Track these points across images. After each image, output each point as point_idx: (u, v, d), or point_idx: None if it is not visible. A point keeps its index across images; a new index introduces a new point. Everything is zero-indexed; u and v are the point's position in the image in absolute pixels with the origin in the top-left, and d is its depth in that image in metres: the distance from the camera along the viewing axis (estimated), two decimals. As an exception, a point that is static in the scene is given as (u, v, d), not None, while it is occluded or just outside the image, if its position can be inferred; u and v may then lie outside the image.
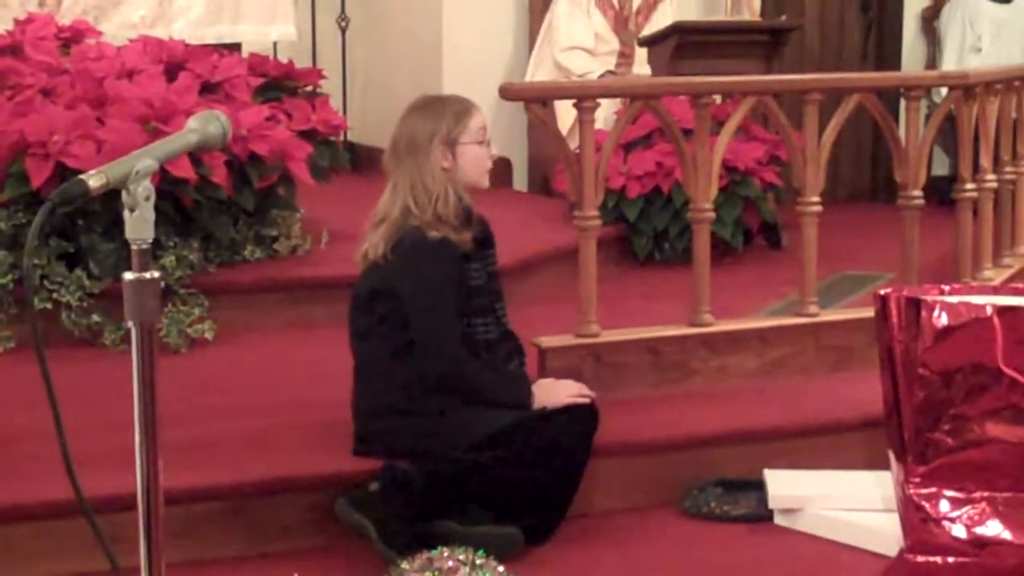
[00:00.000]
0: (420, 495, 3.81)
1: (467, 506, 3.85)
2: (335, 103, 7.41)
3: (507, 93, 4.67)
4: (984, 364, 3.37)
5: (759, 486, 4.25)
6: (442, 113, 4.03)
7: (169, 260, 5.20)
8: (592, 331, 4.68)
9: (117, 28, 6.97)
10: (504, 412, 3.93)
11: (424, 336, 3.93)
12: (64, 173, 5.02)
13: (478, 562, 3.61)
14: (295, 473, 3.99)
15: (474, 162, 4.04)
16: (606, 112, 6.25)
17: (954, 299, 3.46)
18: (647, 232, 6.71)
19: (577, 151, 4.68)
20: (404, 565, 3.62)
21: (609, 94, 5.61)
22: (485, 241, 4.08)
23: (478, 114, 4.07)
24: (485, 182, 4.10)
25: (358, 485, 3.87)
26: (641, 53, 7.78)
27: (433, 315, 3.93)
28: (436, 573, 3.57)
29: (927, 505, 3.42)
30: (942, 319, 3.38)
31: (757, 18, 8.25)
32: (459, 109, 4.05)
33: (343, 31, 8.83)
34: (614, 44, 8.02)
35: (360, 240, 4.07)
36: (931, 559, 3.43)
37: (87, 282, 5.12)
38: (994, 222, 5.71)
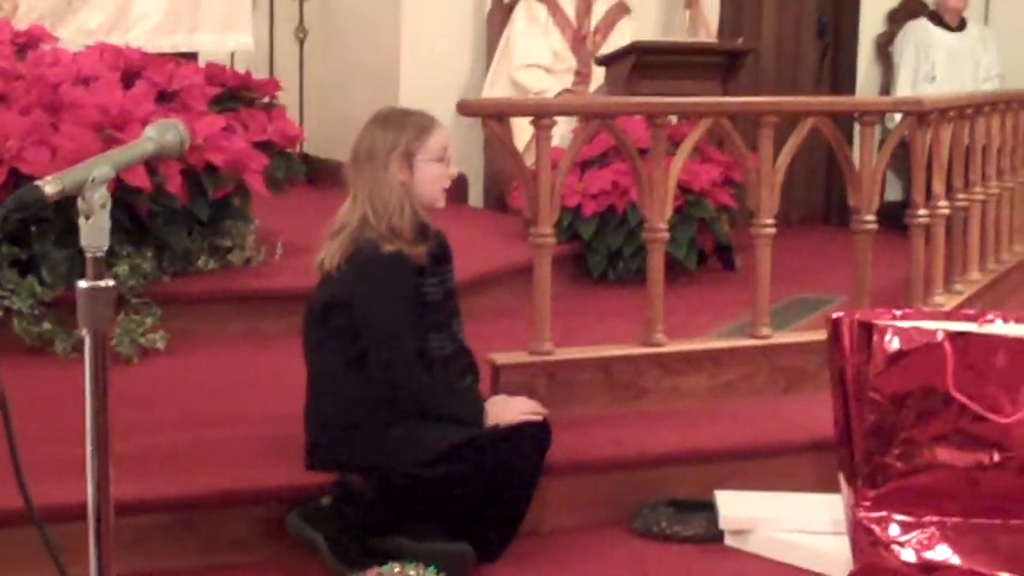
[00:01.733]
0: (371, 510, 3.81)
1: (418, 522, 3.84)
2: (292, 115, 7.41)
3: (464, 109, 4.67)
4: (935, 389, 3.40)
5: (710, 507, 4.26)
6: (404, 126, 4.02)
7: (122, 269, 5.17)
8: (545, 348, 4.68)
9: (74, 34, 6.93)
10: (457, 428, 3.91)
11: (376, 350, 3.92)
12: (18, 179, 4.98)
13: (428, 578, 3.61)
14: (246, 486, 3.97)
15: (431, 180, 4.02)
16: (562, 130, 6.27)
17: (906, 324, 3.48)
18: (601, 251, 6.72)
19: (533, 168, 4.69)
20: (354, 580, 3.62)
21: (566, 112, 5.62)
22: (442, 256, 4.07)
23: (440, 132, 4.06)
24: (440, 202, 4.07)
25: (309, 499, 3.86)
26: (598, 72, 7.82)
27: (385, 329, 3.91)
28: (386, 588, 3.57)
29: (877, 529, 3.44)
30: (893, 343, 3.40)
31: (714, 40, 8.31)
32: (421, 124, 4.04)
33: (301, 43, 8.81)
34: (571, 62, 8.06)
35: (317, 249, 4.06)
36: (880, 582, 3.45)
37: (39, 289, 5.07)
38: (946, 248, 5.75)
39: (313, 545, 3.77)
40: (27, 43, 6.37)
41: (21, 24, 6.64)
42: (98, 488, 2.30)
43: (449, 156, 4.09)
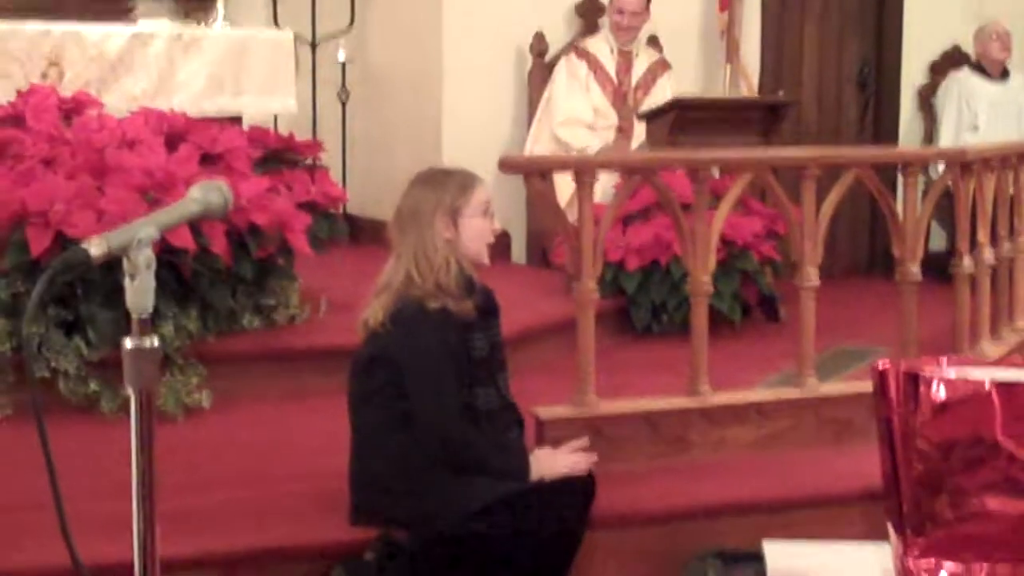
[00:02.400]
0: (415, 565, 3.80)
1: (463, 577, 3.84)
2: (335, 175, 7.46)
3: (506, 166, 4.69)
4: (982, 438, 3.36)
5: (757, 558, 4.21)
6: (446, 184, 4.05)
7: (167, 329, 5.20)
8: (590, 402, 4.67)
9: (119, 100, 7.00)
10: (502, 482, 3.91)
11: (422, 406, 3.93)
12: (64, 242, 5.03)
13: (474, 634, 3.60)
14: (292, 542, 3.98)
15: (476, 235, 4.04)
16: (605, 185, 6.28)
17: (952, 373, 3.46)
18: (645, 305, 6.72)
19: (576, 224, 4.69)
20: (400, 636, 3.61)
21: (608, 167, 5.64)
22: (489, 311, 4.08)
23: (482, 188, 4.09)
24: (485, 258, 4.08)
25: (354, 554, 3.86)
26: (640, 128, 7.83)
27: (431, 386, 3.92)
28: (432, 645, 3.56)
29: (926, 578, 3.40)
30: (940, 393, 3.37)
31: (755, 93, 8.32)
32: (463, 181, 4.07)
33: (343, 104, 8.87)
34: (613, 118, 8.08)
35: (362, 308, 4.08)
36: (930, 633, 3.41)
37: (85, 350, 5.11)
38: (992, 297, 5.72)
39: (359, 602, 3.77)
40: (73, 109, 6.45)
41: (67, 91, 6.72)
42: (144, 545, 2.31)
43: (493, 211, 4.11)
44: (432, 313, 3.92)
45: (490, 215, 4.09)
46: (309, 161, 6.74)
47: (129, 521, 2.31)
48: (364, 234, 7.87)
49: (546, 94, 8.19)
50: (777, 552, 4.26)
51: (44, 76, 6.97)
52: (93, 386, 5.11)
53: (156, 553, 2.32)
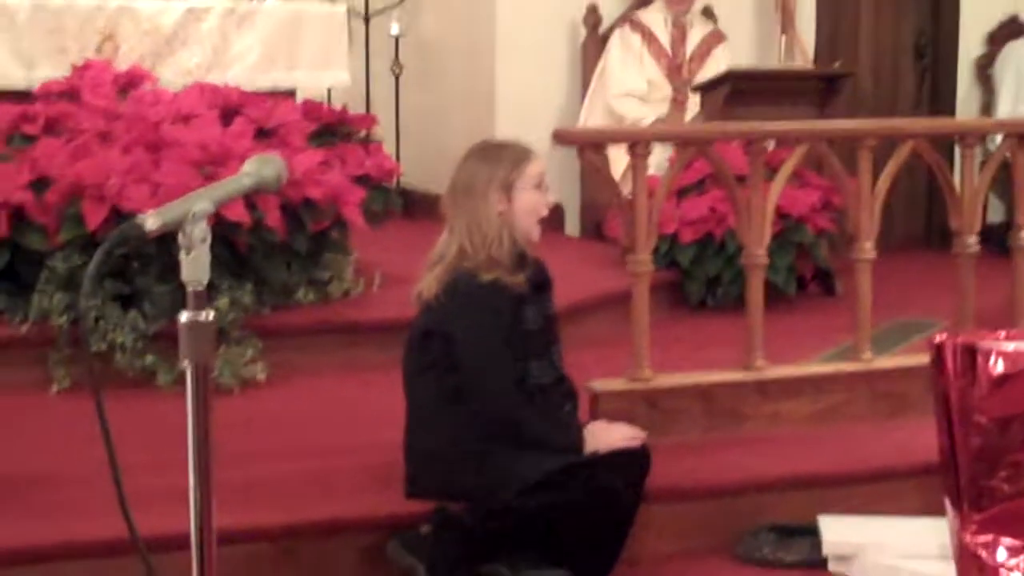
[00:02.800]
0: (470, 538, 3.81)
1: (517, 550, 3.85)
2: (388, 148, 7.45)
3: (560, 138, 4.68)
4: (1041, 411, 3.34)
5: (813, 532, 4.22)
6: (500, 158, 4.04)
7: (223, 302, 5.22)
8: (645, 376, 4.67)
9: (173, 74, 7.02)
10: (556, 456, 3.92)
11: (476, 380, 3.93)
12: (120, 216, 5.06)
13: (529, 606, 3.61)
14: (347, 515, 4.00)
15: (530, 208, 4.03)
16: (659, 158, 6.25)
17: (1011, 346, 3.43)
18: (700, 278, 6.69)
19: (630, 196, 4.68)
20: (455, 608, 3.62)
21: (662, 139, 5.61)
22: (542, 284, 4.08)
23: (537, 161, 4.08)
24: (535, 234, 4.07)
25: (409, 527, 3.88)
26: (694, 99, 7.79)
27: (485, 358, 3.93)
28: (487, 617, 3.57)
29: (984, 553, 3.38)
30: (998, 366, 3.35)
31: (810, 65, 8.26)
32: (518, 155, 4.06)
33: (396, 78, 8.87)
34: (667, 90, 8.04)
35: (416, 280, 4.08)
36: (987, 608, 3.39)
37: (141, 324, 5.15)
38: (1050, 269, 5.66)
39: (413, 573, 3.79)
40: (128, 83, 6.48)
41: (122, 65, 6.75)
42: (201, 518, 2.32)
43: (547, 184, 4.11)
44: (485, 286, 3.92)
45: (544, 188, 4.09)
46: (363, 134, 6.75)
47: (186, 493, 2.33)
48: (418, 207, 7.87)
49: (600, 66, 8.16)
50: (832, 526, 4.25)
51: (99, 51, 7.00)
52: (149, 359, 5.14)
53: (213, 525, 2.34)
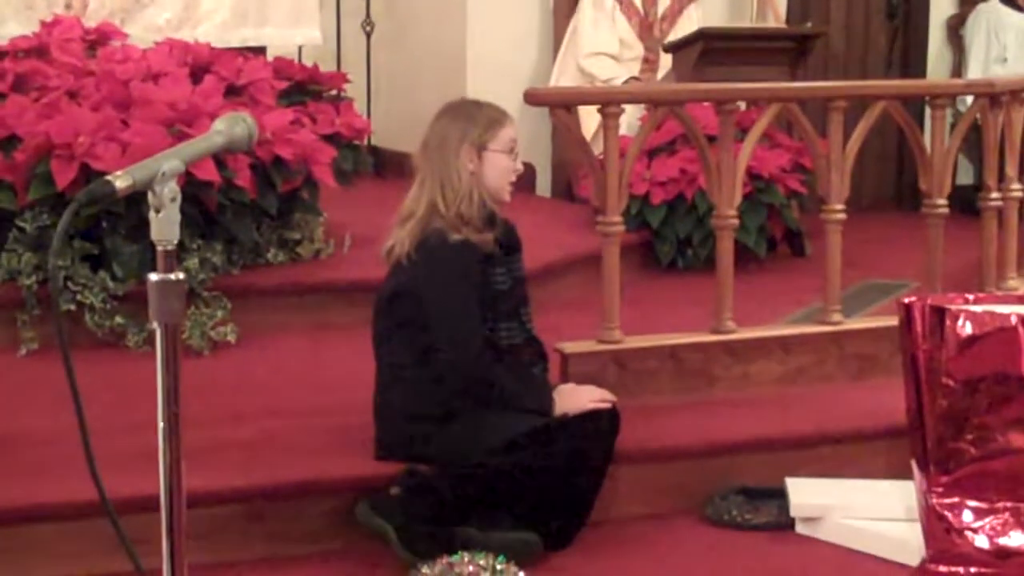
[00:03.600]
0: (440, 500, 3.82)
1: (487, 511, 3.85)
2: (359, 107, 7.43)
3: (532, 98, 4.67)
4: (1008, 373, 3.36)
5: (781, 494, 4.24)
6: (475, 117, 4.05)
7: (192, 263, 5.21)
8: (615, 337, 4.67)
9: (143, 31, 6.98)
10: (525, 417, 3.92)
11: (445, 339, 3.94)
12: (89, 175, 5.03)
13: (498, 567, 3.62)
14: (316, 477, 4.00)
15: (499, 171, 4.04)
16: (630, 118, 6.25)
17: (978, 308, 3.45)
18: (670, 239, 6.70)
19: (601, 157, 4.68)
20: (424, 570, 3.63)
21: (634, 100, 5.60)
22: (511, 245, 4.09)
23: (511, 125, 4.09)
24: (506, 195, 4.10)
25: (379, 489, 3.88)
26: (666, 59, 7.78)
27: (454, 317, 3.93)
28: (456, 578, 3.58)
29: (950, 515, 3.41)
30: (966, 328, 3.37)
31: (782, 25, 8.25)
32: (493, 116, 4.07)
33: (368, 35, 8.83)
34: (639, 50, 8.02)
35: (385, 236, 4.08)
36: (953, 569, 3.43)
37: (111, 284, 5.12)
38: (1019, 231, 5.68)
39: (383, 535, 3.79)
40: (97, 40, 6.44)
41: (91, 22, 6.70)
42: (170, 479, 2.32)
43: (518, 150, 4.11)
44: (454, 245, 3.93)
45: (515, 154, 4.09)
46: (334, 93, 6.72)
47: (155, 454, 2.32)
48: (389, 166, 7.85)
49: (572, 25, 8.13)
50: (800, 488, 4.28)
51: (68, 7, 6.95)
52: (119, 319, 5.12)
53: (182, 486, 2.33)
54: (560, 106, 4.84)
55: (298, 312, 5.54)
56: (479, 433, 3.89)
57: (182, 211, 2.29)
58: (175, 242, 2.28)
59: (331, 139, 6.07)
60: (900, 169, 9.11)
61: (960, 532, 3.40)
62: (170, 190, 2.26)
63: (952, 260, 5.38)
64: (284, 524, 3.93)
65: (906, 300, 3.51)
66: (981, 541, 3.39)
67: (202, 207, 5.31)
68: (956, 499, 3.41)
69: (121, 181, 2.21)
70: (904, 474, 3.79)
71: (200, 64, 6.13)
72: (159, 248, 2.28)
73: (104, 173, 3.24)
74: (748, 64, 7.25)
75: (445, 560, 3.63)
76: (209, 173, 5.12)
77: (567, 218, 7.17)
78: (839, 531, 4.09)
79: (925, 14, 9.22)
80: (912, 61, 9.18)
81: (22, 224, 5.17)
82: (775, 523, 4.17)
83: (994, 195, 5.36)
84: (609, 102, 4.65)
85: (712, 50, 7.25)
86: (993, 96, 5.27)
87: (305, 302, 5.56)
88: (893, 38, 9.11)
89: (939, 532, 3.42)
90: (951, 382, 3.38)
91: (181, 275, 2.30)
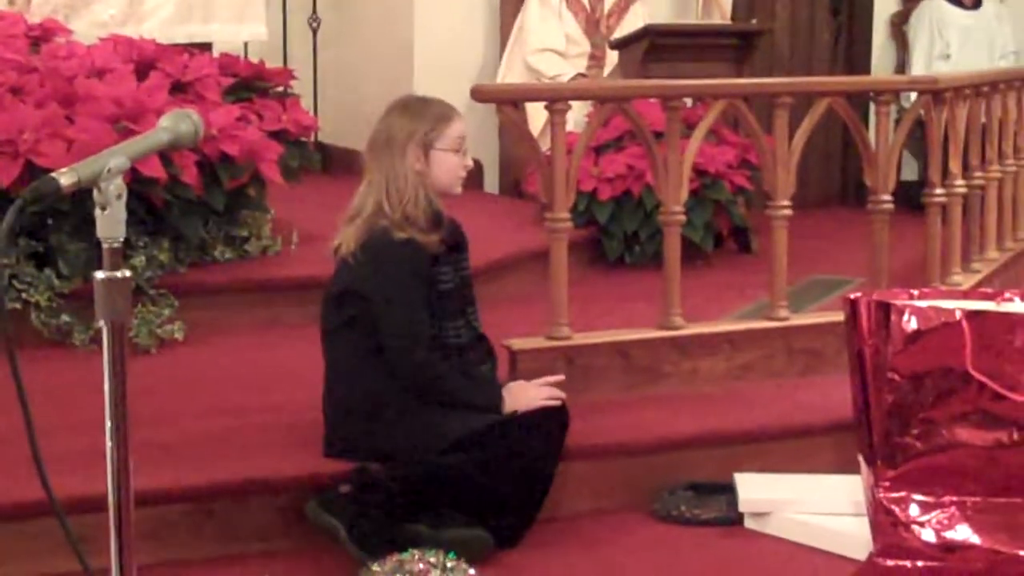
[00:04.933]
0: (390, 497, 3.81)
1: (437, 509, 3.85)
2: (306, 104, 7.39)
3: (478, 95, 4.67)
4: (953, 368, 3.39)
5: (729, 489, 4.26)
6: (423, 114, 4.04)
7: (139, 260, 5.18)
8: (563, 333, 4.68)
9: (87, 27, 6.92)
10: (475, 415, 3.93)
11: (391, 337, 3.93)
12: (33, 172, 4.99)
13: (449, 565, 3.62)
14: (266, 475, 3.98)
15: (447, 169, 4.04)
16: (577, 115, 6.26)
17: (924, 303, 3.48)
18: (618, 235, 6.71)
19: (548, 153, 4.68)
20: (375, 567, 3.62)
21: (581, 96, 5.62)
22: (456, 245, 4.08)
23: (458, 122, 4.08)
24: (457, 189, 4.10)
25: (329, 487, 3.87)
26: (612, 55, 7.80)
27: (400, 315, 3.93)
28: (407, 575, 3.57)
29: (896, 509, 3.43)
30: (911, 323, 3.40)
31: (728, 21, 8.29)
32: (440, 113, 4.05)
33: (314, 31, 8.80)
34: (585, 46, 8.04)
35: (333, 234, 4.07)
36: (900, 563, 3.45)
37: (56, 282, 5.09)
38: (963, 227, 5.73)
39: (333, 533, 3.78)
40: (41, 36, 6.38)
41: (35, 17, 6.65)
42: (118, 479, 2.31)
43: (466, 147, 4.10)
44: (399, 242, 3.92)
45: (464, 151, 4.09)
46: (280, 89, 6.69)
47: (103, 454, 2.31)
48: (336, 163, 7.83)
49: (518, 22, 8.14)
50: (748, 483, 4.30)
51: (11, 3, 6.89)
52: (65, 318, 5.09)
53: (130, 485, 2.32)
54: (507, 102, 4.84)
55: (246, 309, 5.52)
56: (429, 431, 3.89)
57: (128, 208, 2.28)
58: (121, 240, 2.27)
59: (278, 136, 6.05)
60: (845, 165, 9.17)
61: (907, 526, 3.42)
62: (116, 187, 2.24)
63: (897, 256, 5.42)
64: (234, 522, 3.91)
65: (852, 296, 3.53)
66: (928, 535, 3.41)
67: (148, 204, 5.28)
68: (903, 493, 3.43)
69: (66, 178, 2.20)
70: (851, 469, 3.81)
71: (145, 60, 6.09)
72: (105, 246, 2.26)
73: (49, 170, 3.21)
74: (694, 61, 7.28)
75: (396, 558, 3.63)
76: (155, 170, 5.10)
77: (515, 214, 7.18)
78: (787, 526, 4.11)
79: (869, 11, 9.29)
80: (856, 57, 9.25)
81: (-35, 222, 5.12)
82: (723, 518, 4.19)
83: (938, 191, 5.40)
84: (556, 98, 4.65)
85: (658, 47, 7.28)
86: (937, 92, 5.31)
87: (253, 299, 5.55)
88: (837, 34, 9.17)
89: (886, 526, 3.44)
90: (897, 377, 3.41)
91: (127, 273, 2.29)
